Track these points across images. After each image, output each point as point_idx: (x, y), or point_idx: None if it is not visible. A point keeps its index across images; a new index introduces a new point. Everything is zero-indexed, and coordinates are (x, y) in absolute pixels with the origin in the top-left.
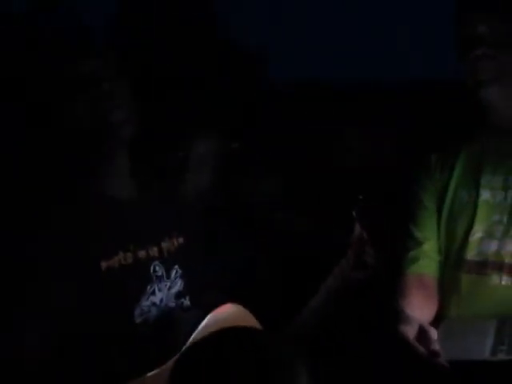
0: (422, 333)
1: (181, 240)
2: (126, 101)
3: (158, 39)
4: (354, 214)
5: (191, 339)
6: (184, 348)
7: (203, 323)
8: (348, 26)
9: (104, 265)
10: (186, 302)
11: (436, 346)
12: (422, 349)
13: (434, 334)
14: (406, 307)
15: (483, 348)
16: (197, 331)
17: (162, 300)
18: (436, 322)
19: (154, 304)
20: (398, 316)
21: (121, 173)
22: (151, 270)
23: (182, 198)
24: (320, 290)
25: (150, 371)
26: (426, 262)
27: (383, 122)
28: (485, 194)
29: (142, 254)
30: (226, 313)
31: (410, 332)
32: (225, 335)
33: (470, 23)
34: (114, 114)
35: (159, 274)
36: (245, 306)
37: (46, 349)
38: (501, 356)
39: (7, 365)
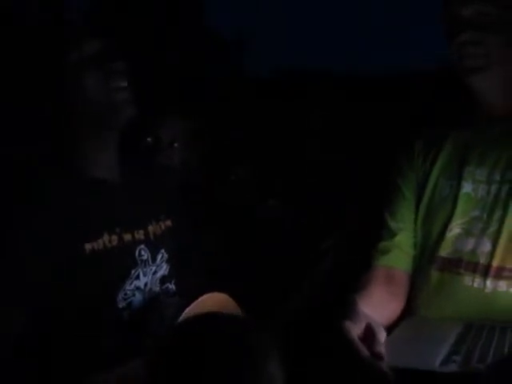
0: (369, 332)
1: (168, 223)
2: (129, 82)
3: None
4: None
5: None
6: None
7: (187, 310)
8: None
9: (88, 246)
10: (171, 286)
11: (381, 349)
12: (363, 349)
13: (382, 335)
14: (363, 301)
15: (435, 357)
16: (180, 318)
17: (146, 284)
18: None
19: (138, 288)
20: (346, 310)
21: (111, 156)
22: (136, 254)
23: (169, 181)
24: (305, 282)
25: (132, 356)
26: (397, 254)
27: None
28: (467, 187)
29: (127, 237)
30: (211, 301)
31: (354, 329)
32: (200, 321)
33: (456, 6)
34: (121, 93)
35: (144, 257)
36: (230, 293)
37: (21, 327)
38: (452, 368)
39: None
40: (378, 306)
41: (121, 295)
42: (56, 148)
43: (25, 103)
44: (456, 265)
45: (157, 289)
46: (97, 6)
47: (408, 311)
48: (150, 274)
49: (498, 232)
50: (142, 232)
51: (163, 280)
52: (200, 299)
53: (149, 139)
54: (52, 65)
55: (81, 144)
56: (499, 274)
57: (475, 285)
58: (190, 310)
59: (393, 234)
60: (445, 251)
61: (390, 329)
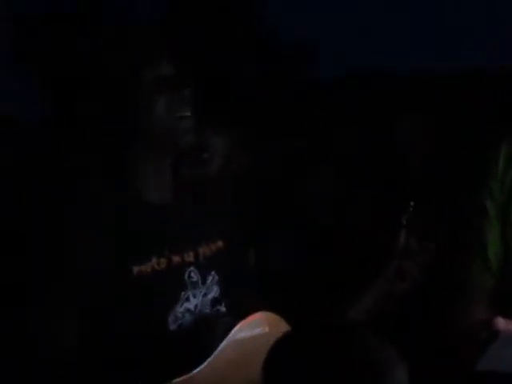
0: None
1: (219, 244)
2: (193, 110)
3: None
4: (403, 221)
5: (221, 346)
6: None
7: (233, 331)
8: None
9: (136, 269)
10: (222, 308)
11: None
12: None
13: None
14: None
15: None
16: (227, 338)
17: (196, 306)
18: None
19: (188, 310)
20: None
21: (164, 179)
22: (186, 276)
23: (221, 200)
24: (360, 299)
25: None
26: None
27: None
28: None
29: (176, 259)
30: (258, 320)
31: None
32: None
33: None
34: (184, 122)
35: (194, 279)
36: (280, 311)
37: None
38: None
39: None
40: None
41: (171, 317)
42: (112, 168)
43: (91, 113)
44: None
45: (207, 311)
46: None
47: None
48: (200, 296)
49: None
50: (191, 254)
51: (214, 302)
52: (245, 320)
53: (205, 155)
54: (125, 80)
55: (137, 166)
56: None
57: None
58: (236, 331)
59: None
60: None
61: None
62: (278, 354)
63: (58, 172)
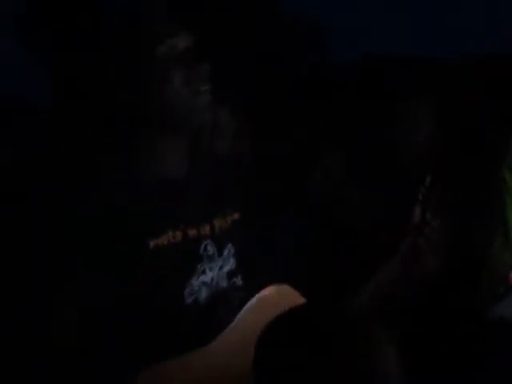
0: None
1: (236, 216)
2: (210, 86)
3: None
4: (419, 195)
5: (236, 320)
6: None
7: (249, 304)
8: None
9: (152, 243)
10: (238, 281)
11: None
12: None
13: None
14: None
15: None
16: (243, 311)
17: (212, 279)
18: None
19: (204, 283)
20: None
21: (175, 150)
22: (201, 249)
23: (236, 172)
24: (375, 276)
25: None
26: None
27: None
28: None
29: (192, 232)
30: (274, 293)
31: None
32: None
33: None
34: (202, 97)
35: (210, 252)
36: (297, 285)
37: (88, 323)
38: None
39: (45, 339)
40: None
41: (187, 290)
42: (127, 142)
43: (107, 93)
44: None
45: (224, 283)
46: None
47: None
48: (216, 269)
49: None
50: (207, 227)
51: (230, 274)
52: (261, 292)
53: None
54: (139, 56)
55: (151, 142)
56: None
57: None
58: (252, 304)
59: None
60: None
61: None
62: (269, 336)
63: (72, 148)
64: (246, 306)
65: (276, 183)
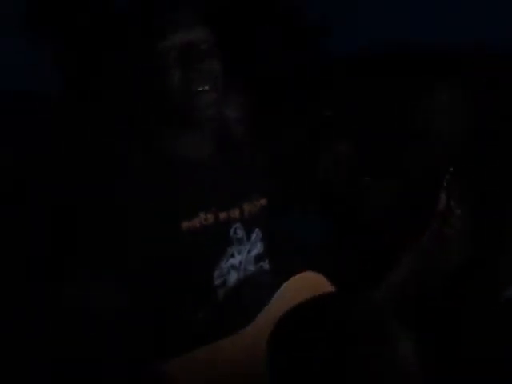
0: None
1: (263, 202)
2: (211, 85)
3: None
4: (444, 184)
5: (269, 305)
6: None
7: (280, 289)
8: None
9: (185, 225)
10: (266, 265)
11: None
12: None
13: None
14: None
15: None
16: (274, 297)
17: (241, 263)
18: None
19: (233, 266)
20: None
21: (204, 135)
22: (231, 232)
23: (262, 159)
24: (400, 264)
25: (226, 334)
26: None
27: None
28: None
29: (223, 215)
30: (304, 279)
31: None
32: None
33: None
34: (201, 96)
35: (239, 236)
36: (323, 272)
37: (123, 302)
38: None
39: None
40: None
41: (216, 273)
42: (158, 129)
43: (114, 83)
44: None
45: (251, 267)
46: None
47: None
48: (244, 253)
49: None
50: (237, 211)
51: (258, 258)
52: (292, 278)
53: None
54: (141, 49)
55: (168, 126)
56: None
57: None
58: (284, 290)
59: None
60: None
61: None
62: (285, 322)
63: (72, 148)
64: (277, 293)
65: (299, 173)
